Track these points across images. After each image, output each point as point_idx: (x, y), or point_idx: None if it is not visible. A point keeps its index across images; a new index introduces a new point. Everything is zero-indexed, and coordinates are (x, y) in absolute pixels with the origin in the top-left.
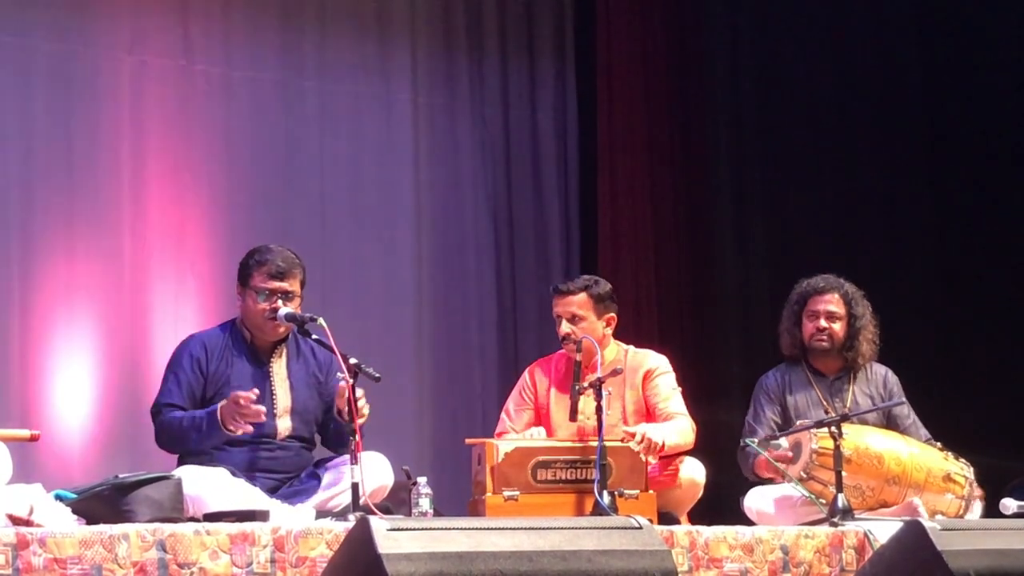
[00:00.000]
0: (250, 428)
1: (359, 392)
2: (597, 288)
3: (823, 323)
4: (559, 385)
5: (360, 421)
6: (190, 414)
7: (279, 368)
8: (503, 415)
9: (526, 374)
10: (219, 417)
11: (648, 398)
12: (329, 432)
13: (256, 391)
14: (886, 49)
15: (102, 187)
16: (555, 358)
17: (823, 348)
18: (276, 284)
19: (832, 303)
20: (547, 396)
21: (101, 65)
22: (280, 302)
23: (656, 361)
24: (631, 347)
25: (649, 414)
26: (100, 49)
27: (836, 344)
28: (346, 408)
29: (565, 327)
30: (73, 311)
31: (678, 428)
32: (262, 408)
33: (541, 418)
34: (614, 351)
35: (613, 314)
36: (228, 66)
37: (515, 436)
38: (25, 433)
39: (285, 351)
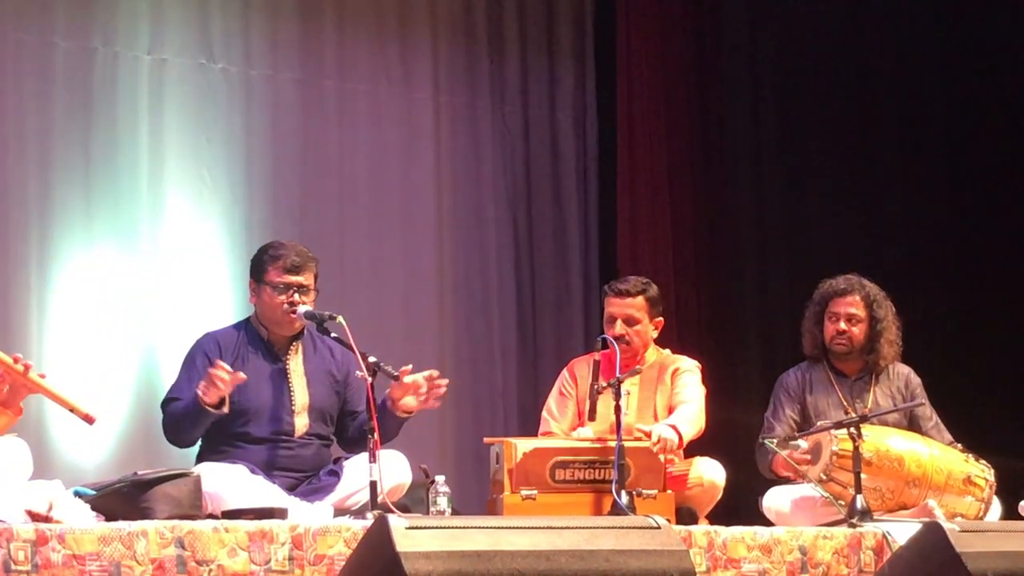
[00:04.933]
0: (220, 394)
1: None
2: (651, 291)
3: (843, 326)
4: None
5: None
6: (183, 402)
7: (296, 365)
8: (545, 415)
9: (566, 371)
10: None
11: (671, 394)
12: (347, 432)
13: (242, 376)
14: (905, 47)
15: (121, 185)
16: (594, 357)
17: (843, 351)
18: (292, 278)
19: (853, 305)
20: (585, 394)
21: (120, 64)
22: (296, 296)
23: (687, 364)
24: (667, 351)
25: None
26: (119, 48)
27: (856, 347)
28: (408, 393)
29: (619, 328)
30: (91, 309)
31: (689, 417)
32: (225, 375)
33: (580, 414)
34: (654, 355)
35: (661, 318)
36: (247, 65)
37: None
38: (83, 409)
39: (301, 347)
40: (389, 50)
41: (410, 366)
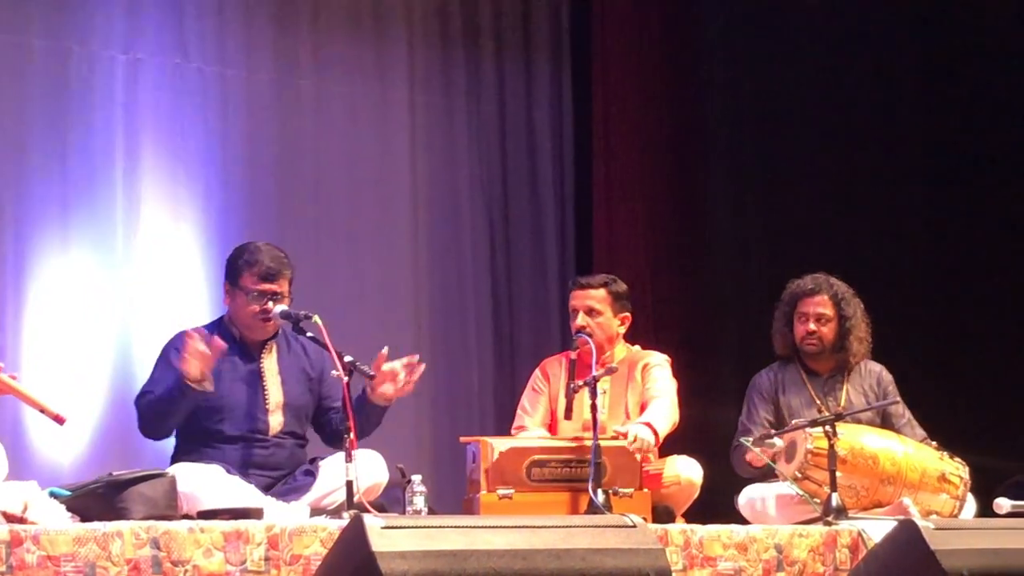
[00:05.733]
0: (201, 367)
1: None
2: (616, 286)
3: (812, 326)
4: (566, 383)
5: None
6: (162, 387)
7: (270, 364)
8: (519, 411)
9: (538, 369)
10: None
11: (642, 390)
12: (330, 427)
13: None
14: (884, 48)
15: (96, 184)
16: (565, 356)
17: (813, 351)
18: (266, 286)
19: (821, 305)
20: (557, 392)
21: (95, 63)
22: (270, 303)
23: (657, 358)
24: (637, 347)
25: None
26: (94, 47)
27: (826, 346)
28: (386, 381)
29: (581, 320)
30: (66, 308)
31: (662, 413)
32: (199, 345)
33: (551, 412)
34: (623, 351)
35: (628, 314)
36: (223, 65)
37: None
38: (53, 410)
39: (275, 347)
40: (365, 49)
41: (386, 349)
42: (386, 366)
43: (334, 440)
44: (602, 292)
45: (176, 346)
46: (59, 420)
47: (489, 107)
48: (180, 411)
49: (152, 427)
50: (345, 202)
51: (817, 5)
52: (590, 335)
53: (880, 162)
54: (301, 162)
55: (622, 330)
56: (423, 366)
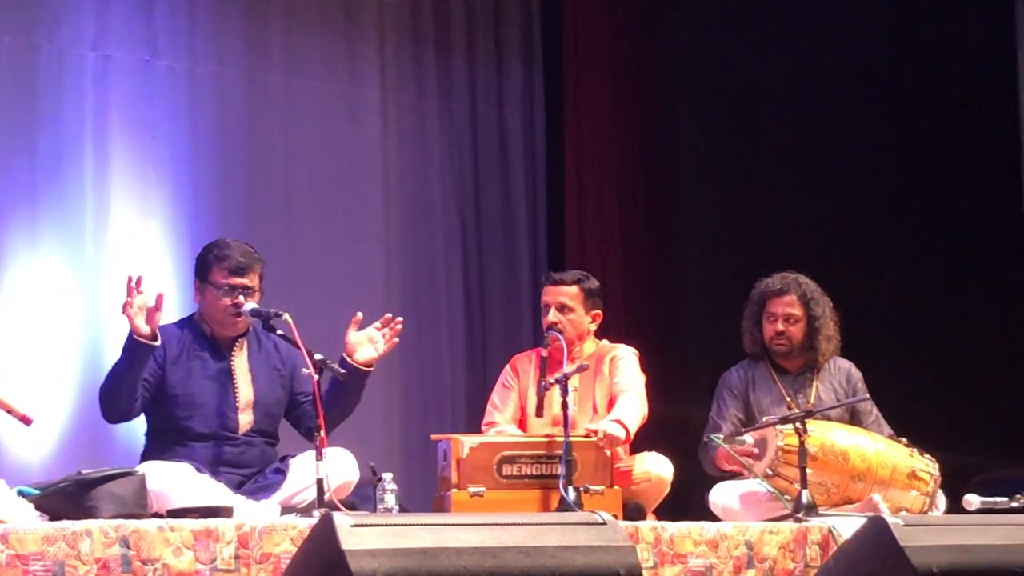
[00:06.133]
0: (139, 309)
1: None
2: (588, 283)
3: (781, 326)
4: (535, 380)
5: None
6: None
7: (240, 362)
8: (489, 407)
9: (508, 366)
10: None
11: (610, 383)
12: (305, 420)
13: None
14: (855, 46)
15: (65, 182)
16: (535, 353)
17: (783, 351)
18: (236, 280)
19: (790, 305)
20: (526, 388)
21: (65, 60)
22: (241, 297)
23: (624, 351)
24: (604, 341)
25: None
26: (64, 44)
27: (795, 346)
28: (363, 344)
29: (552, 316)
30: (35, 306)
31: (632, 408)
32: (142, 299)
33: (521, 408)
34: (592, 347)
35: (599, 311)
36: (193, 61)
37: (501, 427)
38: (20, 411)
39: (246, 344)
40: (336, 47)
41: (360, 315)
42: (362, 332)
43: (311, 434)
44: (575, 289)
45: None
46: (26, 421)
47: (461, 106)
48: (133, 375)
49: (110, 402)
50: (316, 200)
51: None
52: (561, 331)
53: (850, 160)
54: (272, 160)
55: (593, 327)
56: (401, 319)
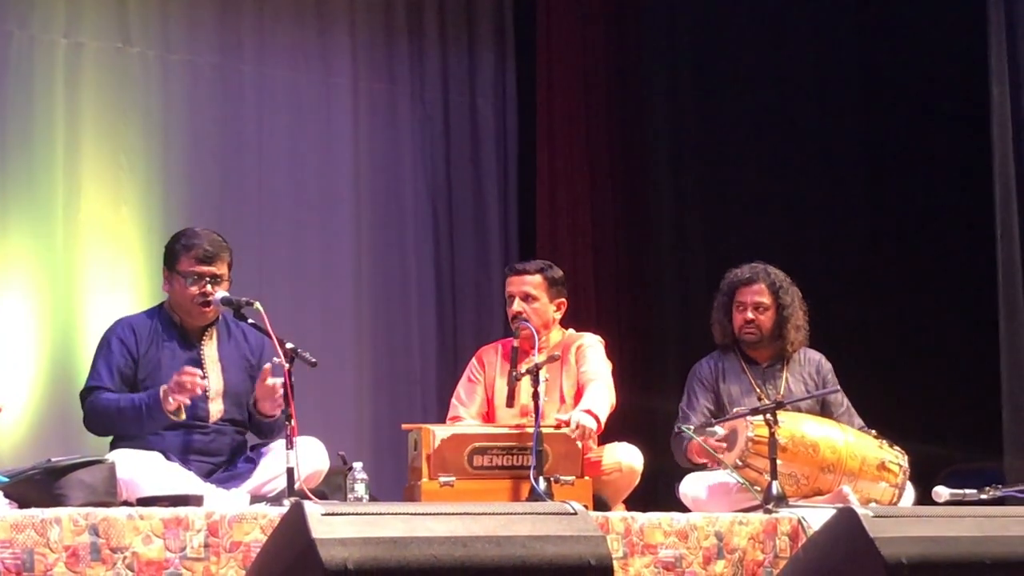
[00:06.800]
0: (186, 400)
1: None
2: (552, 272)
3: (750, 315)
4: (502, 371)
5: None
6: (127, 396)
7: (210, 351)
8: (454, 400)
9: (474, 358)
10: (161, 397)
11: (577, 372)
12: (254, 420)
13: (200, 373)
14: (825, 42)
15: (36, 169)
16: (501, 344)
17: (752, 340)
18: (204, 268)
19: (759, 294)
20: (493, 380)
21: (36, 47)
22: (209, 286)
23: (590, 339)
24: (570, 330)
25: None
26: (35, 31)
27: (764, 335)
28: (266, 399)
29: (517, 305)
30: (5, 294)
31: (601, 397)
32: (197, 377)
33: (488, 400)
34: (558, 336)
35: (564, 300)
36: (165, 49)
37: (467, 421)
38: None
39: (216, 333)
40: (308, 35)
41: (269, 365)
42: (270, 380)
43: (260, 430)
44: (538, 278)
45: (119, 335)
46: None
47: (432, 95)
48: (138, 428)
49: (102, 429)
50: (287, 189)
51: None
52: (526, 320)
53: (818, 153)
54: (243, 148)
55: (558, 316)
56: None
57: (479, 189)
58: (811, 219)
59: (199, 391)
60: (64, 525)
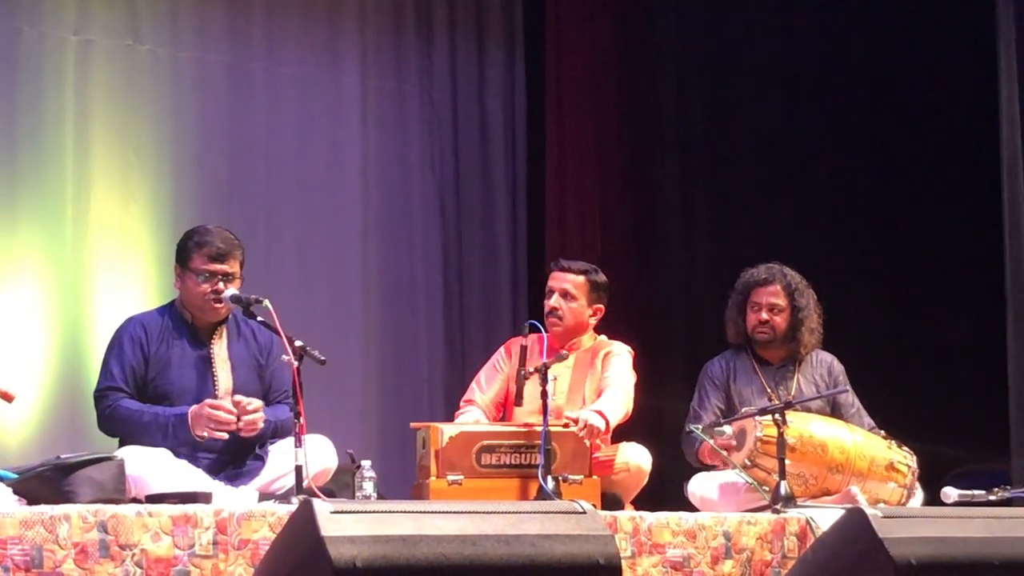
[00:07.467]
0: (224, 436)
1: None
2: (595, 276)
3: (765, 315)
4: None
5: None
6: (151, 411)
7: (220, 349)
8: (473, 384)
9: (502, 348)
10: (189, 421)
11: (601, 378)
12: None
13: (233, 404)
14: (833, 37)
15: (45, 166)
16: (538, 338)
17: (765, 340)
18: (216, 266)
19: (774, 295)
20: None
21: (46, 44)
22: (221, 284)
23: (619, 348)
24: (603, 336)
25: None
26: (45, 28)
27: (778, 336)
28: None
29: (555, 301)
30: (15, 290)
31: (615, 402)
32: (233, 419)
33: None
34: (590, 341)
35: (603, 306)
36: (175, 46)
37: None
38: (2, 387)
39: (226, 332)
40: (317, 33)
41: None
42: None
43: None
44: (581, 279)
45: (130, 333)
46: (7, 398)
47: (441, 92)
48: (163, 444)
49: (118, 434)
50: (296, 186)
51: None
52: (561, 318)
53: (828, 153)
54: (253, 145)
55: (593, 321)
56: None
57: (487, 187)
58: (819, 221)
59: (226, 436)
60: (73, 522)
